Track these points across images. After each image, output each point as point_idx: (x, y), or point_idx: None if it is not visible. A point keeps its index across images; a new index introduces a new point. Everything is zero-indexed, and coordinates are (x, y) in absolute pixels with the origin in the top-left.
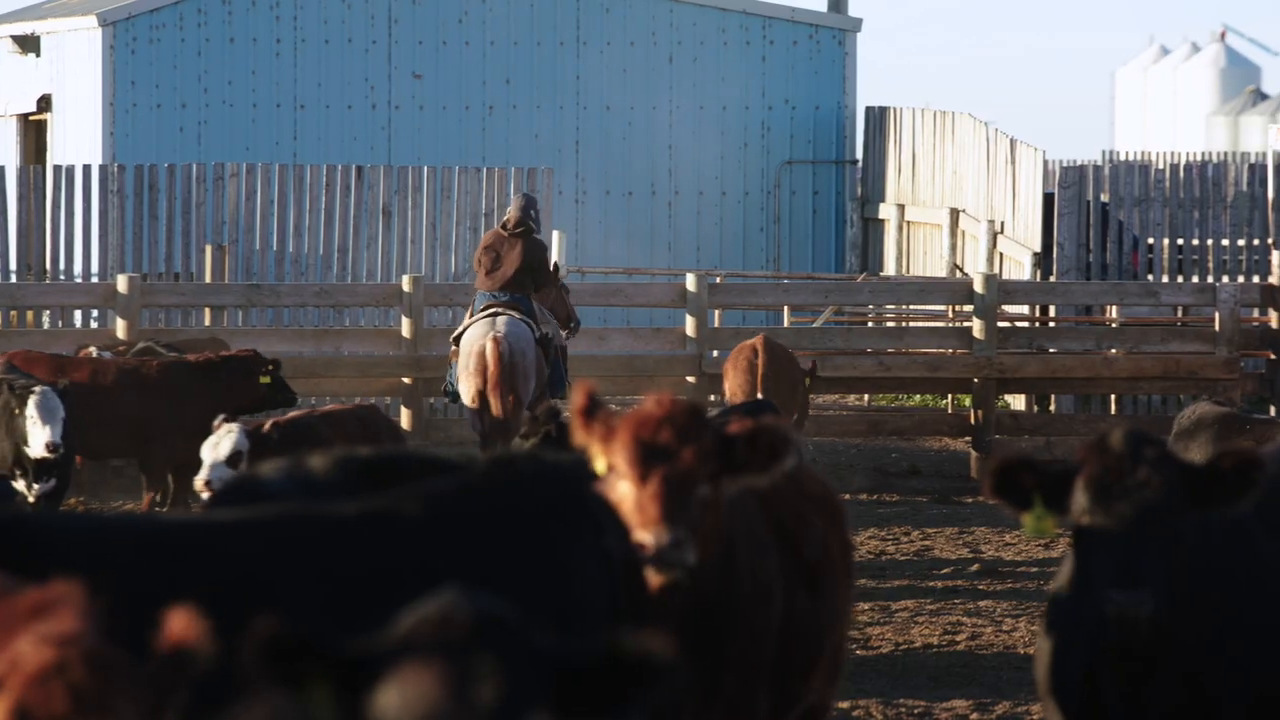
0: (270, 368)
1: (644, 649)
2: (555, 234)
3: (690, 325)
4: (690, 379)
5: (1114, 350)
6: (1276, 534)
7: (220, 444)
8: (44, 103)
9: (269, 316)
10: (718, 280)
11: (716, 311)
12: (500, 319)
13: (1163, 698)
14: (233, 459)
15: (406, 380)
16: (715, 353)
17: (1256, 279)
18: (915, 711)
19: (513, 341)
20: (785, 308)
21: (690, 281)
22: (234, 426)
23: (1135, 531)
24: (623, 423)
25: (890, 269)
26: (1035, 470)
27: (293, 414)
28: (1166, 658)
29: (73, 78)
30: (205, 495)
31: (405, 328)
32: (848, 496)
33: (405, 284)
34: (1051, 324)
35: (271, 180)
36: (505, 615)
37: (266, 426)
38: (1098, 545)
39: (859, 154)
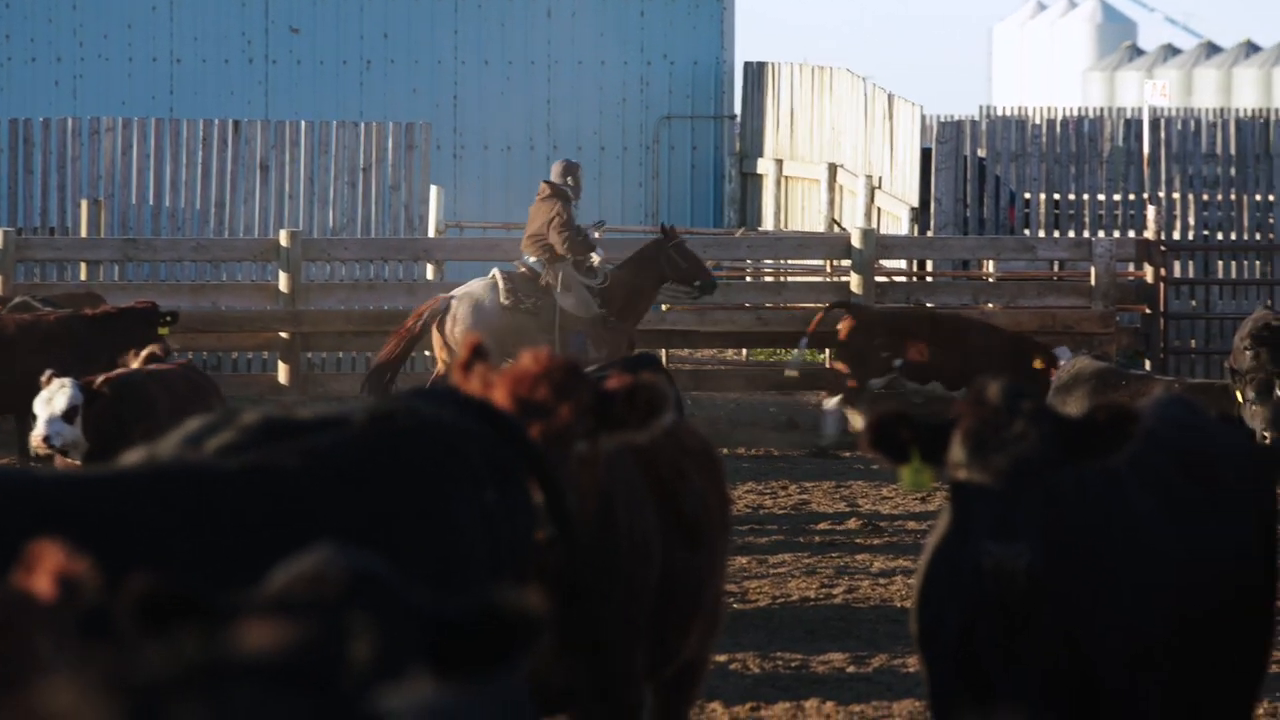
0: (168, 319)
1: (520, 606)
2: (433, 189)
3: None
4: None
5: (990, 305)
6: (1150, 488)
7: (55, 399)
8: None
9: (145, 271)
10: (596, 236)
11: None
12: (478, 281)
13: (1038, 651)
14: (68, 414)
15: (284, 335)
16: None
17: (1132, 234)
18: (792, 665)
19: (455, 296)
20: None
21: None
22: (66, 381)
23: (1011, 485)
24: (500, 379)
25: (768, 224)
26: (912, 424)
27: (121, 370)
28: (1042, 611)
29: None
30: (44, 453)
31: (283, 282)
32: (726, 451)
33: (283, 239)
34: (929, 279)
35: (148, 135)
36: (380, 572)
37: (98, 382)
38: (974, 498)
39: (737, 109)
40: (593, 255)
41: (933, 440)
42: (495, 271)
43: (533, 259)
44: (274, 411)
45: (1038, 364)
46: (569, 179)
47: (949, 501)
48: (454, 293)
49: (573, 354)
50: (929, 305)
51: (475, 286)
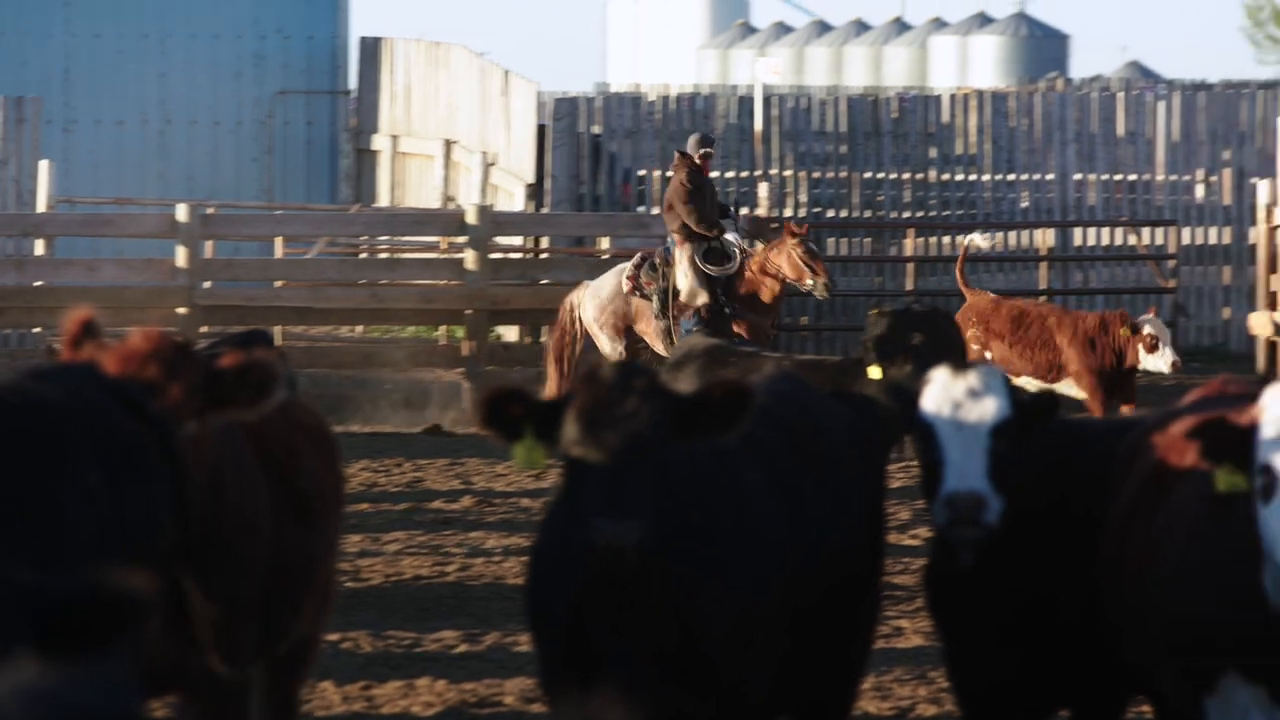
0: None
1: (125, 586)
2: (43, 164)
3: (181, 256)
4: (181, 310)
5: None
6: (759, 464)
7: None
8: None
9: None
10: (209, 211)
11: (208, 243)
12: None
13: (647, 628)
14: None
15: None
16: (207, 284)
17: (745, 210)
18: (404, 643)
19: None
20: (278, 239)
21: (181, 212)
22: None
23: (623, 462)
24: (109, 357)
25: (384, 200)
26: (525, 401)
27: None
28: (652, 588)
29: None
30: None
31: None
32: (340, 428)
33: None
34: (544, 255)
35: None
36: None
37: None
38: (586, 476)
39: (353, 85)
40: (727, 236)
41: (546, 417)
42: (632, 261)
43: (668, 239)
44: None
45: (1123, 332)
46: (702, 150)
47: (561, 479)
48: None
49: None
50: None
51: (607, 275)
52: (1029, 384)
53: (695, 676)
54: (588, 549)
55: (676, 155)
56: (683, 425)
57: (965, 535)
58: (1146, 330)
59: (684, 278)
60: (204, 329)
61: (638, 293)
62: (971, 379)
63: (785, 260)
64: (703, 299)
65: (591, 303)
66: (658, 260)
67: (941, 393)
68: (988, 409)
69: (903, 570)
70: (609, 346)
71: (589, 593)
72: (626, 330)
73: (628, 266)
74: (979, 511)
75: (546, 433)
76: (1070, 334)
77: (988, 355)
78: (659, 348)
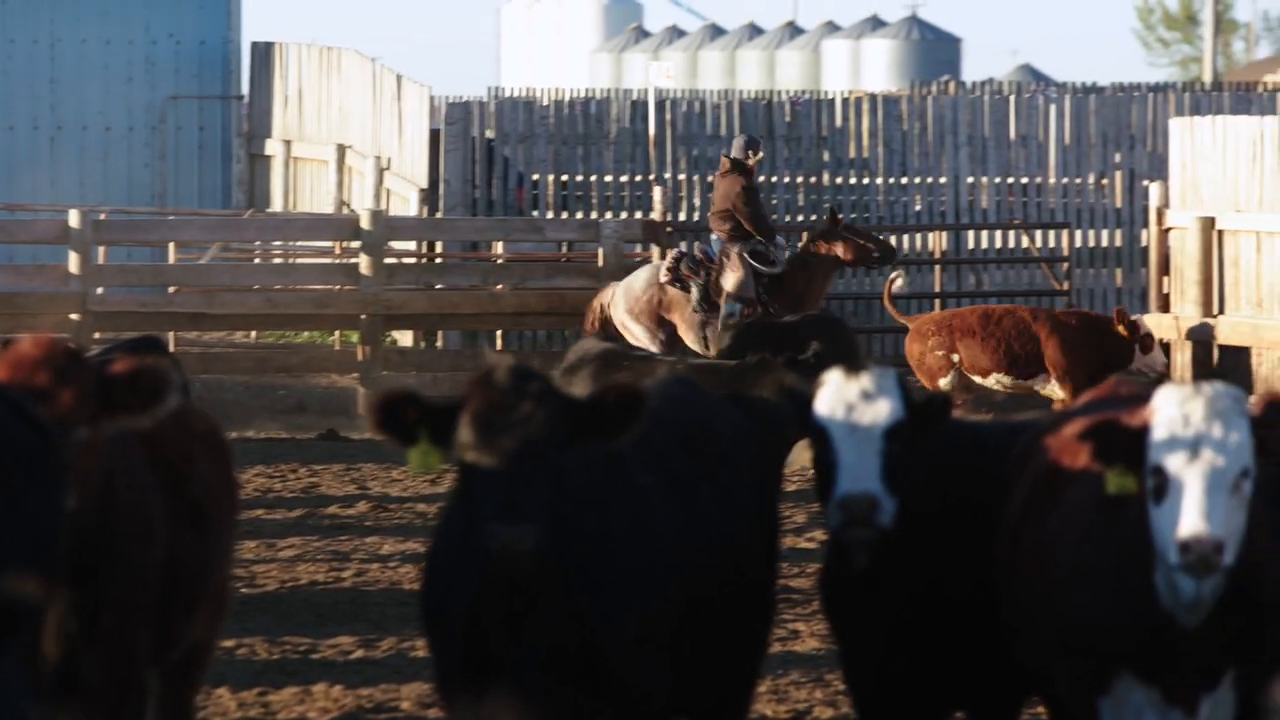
0: None
1: (18, 592)
2: None
3: (74, 262)
4: (74, 316)
5: (500, 286)
6: (654, 468)
7: None
8: None
9: None
10: (102, 217)
11: (101, 249)
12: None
13: (544, 632)
14: None
15: None
16: (100, 290)
17: (639, 215)
18: (300, 649)
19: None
20: (171, 244)
21: (74, 218)
22: None
23: (517, 466)
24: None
25: (277, 205)
26: (420, 405)
27: None
28: (549, 592)
29: None
30: None
31: None
32: (235, 434)
33: None
34: (438, 260)
35: None
36: None
37: None
38: (481, 480)
39: (245, 89)
40: (777, 239)
41: (441, 421)
42: (671, 253)
43: (712, 238)
44: None
45: (1122, 331)
46: (749, 153)
47: (457, 483)
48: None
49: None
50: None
51: (640, 269)
52: (1002, 381)
53: (592, 680)
54: (483, 553)
55: (725, 160)
56: (577, 429)
57: (859, 537)
58: (1144, 331)
59: (732, 272)
60: (97, 335)
61: (676, 284)
62: (865, 381)
63: (841, 247)
64: (749, 292)
65: (624, 297)
66: (699, 254)
67: (835, 395)
68: (880, 411)
69: (799, 573)
70: (647, 338)
71: (486, 597)
72: (660, 320)
73: (664, 260)
74: (872, 513)
75: (442, 437)
76: (1052, 332)
77: (954, 358)
78: (690, 340)
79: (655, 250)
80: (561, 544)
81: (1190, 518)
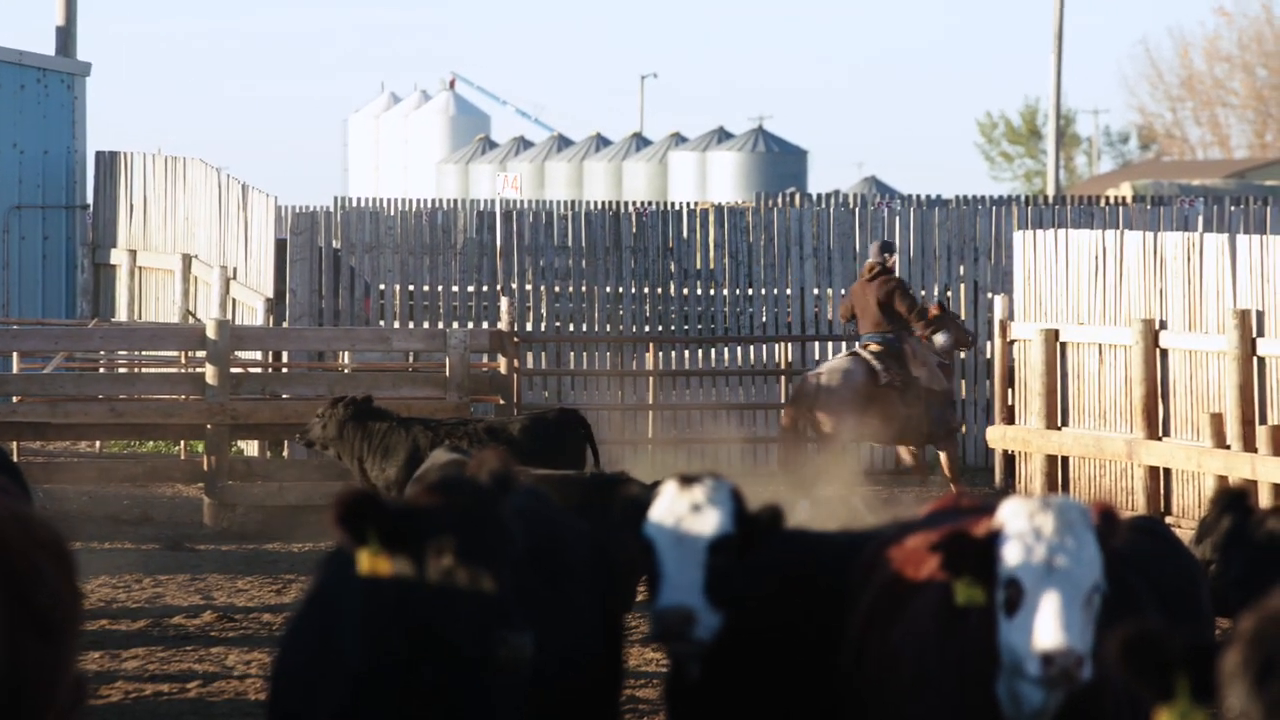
0: None
1: None
2: None
3: None
4: None
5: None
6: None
7: None
8: None
9: None
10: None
11: None
12: (841, 357)
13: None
14: None
15: None
16: None
17: (486, 324)
18: None
19: (822, 373)
20: (15, 353)
21: None
22: None
23: (506, 575)
24: None
25: (122, 314)
26: (378, 508)
27: None
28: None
29: None
30: None
31: None
32: (79, 544)
33: None
34: (284, 370)
35: None
36: None
37: None
38: (465, 586)
39: (90, 199)
40: (938, 336)
41: (395, 526)
42: (856, 348)
43: (881, 335)
44: None
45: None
46: (886, 255)
47: (308, 593)
48: (820, 369)
49: (937, 423)
50: None
51: (840, 362)
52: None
53: None
54: (478, 661)
55: (874, 268)
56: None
57: (678, 650)
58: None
59: (921, 368)
60: None
61: (888, 384)
62: (696, 493)
63: (947, 335)
64: (941, 385)
65: (844, 386)
66: (887, 352)
67: (665, 507)
68: (707, 523)
69: (645, 684)
70: (852, 430)
71: (370, 701)
72: (864, 414)
73: (867, 359)
74: (687, 627)
75: (393, 541)
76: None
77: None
78: (884, 436)
79: (503, 360)
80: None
81: (1051, 631)
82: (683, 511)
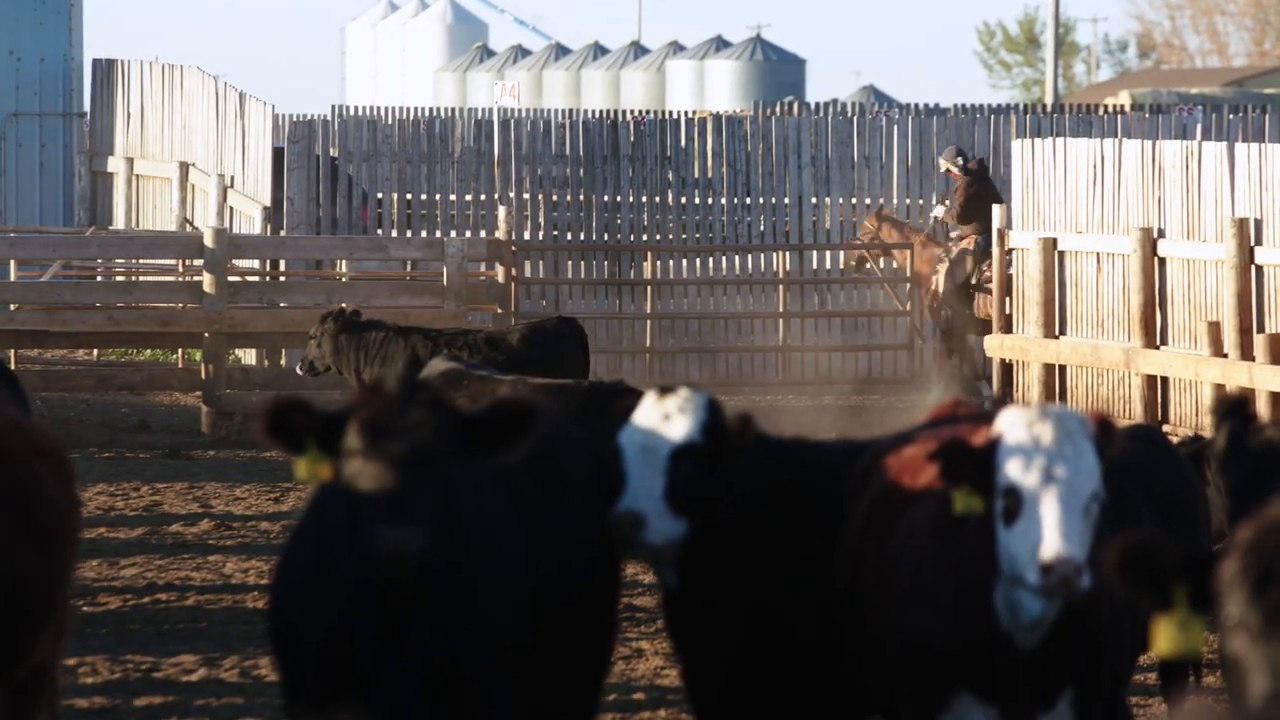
0: None
1: None
2: None
3: None
4: None
5: (345, 305)
6: (501, 487)
7: None
8: None
9: None
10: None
11: None
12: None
13: (415, 645)
14: None
15: None
16: None
17: (484, 233)
18: (142, 667)
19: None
20: (13, 261)
21: None
22: None
23: (406, 471)
24: None
25: (120, 223)
26: (309, 413)
27: None
28: (423, 603)
29: None
30: None
31: None
32: (77, 453)
33: None
34: (282, 279)
35: None
36: None
37: None
38: (369, 485)
39: (87, 106)
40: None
41: (330, 429)
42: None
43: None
44: None
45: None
46: (960, 159)
47: (309, 501)
48: (960, 246)
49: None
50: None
51: (952, 260)
52: None
53: (452, 696)
54: (368, 558)
55: (965, 171)
56: (468, 441)
57: (632, 554)
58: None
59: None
60: None
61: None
62: (669, 403)
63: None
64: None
65: (950, 283)
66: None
67: (641, 415)
68: (673, 431)
69: (643, 592)
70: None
71: (359, 609)
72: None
73: (959, 254)
74: (635, 531)
75: (330, 445)
76: None
77: None
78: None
79: (500, 269)
80: (443, 555)
81: (1053, 540)
82: (654, 420)
